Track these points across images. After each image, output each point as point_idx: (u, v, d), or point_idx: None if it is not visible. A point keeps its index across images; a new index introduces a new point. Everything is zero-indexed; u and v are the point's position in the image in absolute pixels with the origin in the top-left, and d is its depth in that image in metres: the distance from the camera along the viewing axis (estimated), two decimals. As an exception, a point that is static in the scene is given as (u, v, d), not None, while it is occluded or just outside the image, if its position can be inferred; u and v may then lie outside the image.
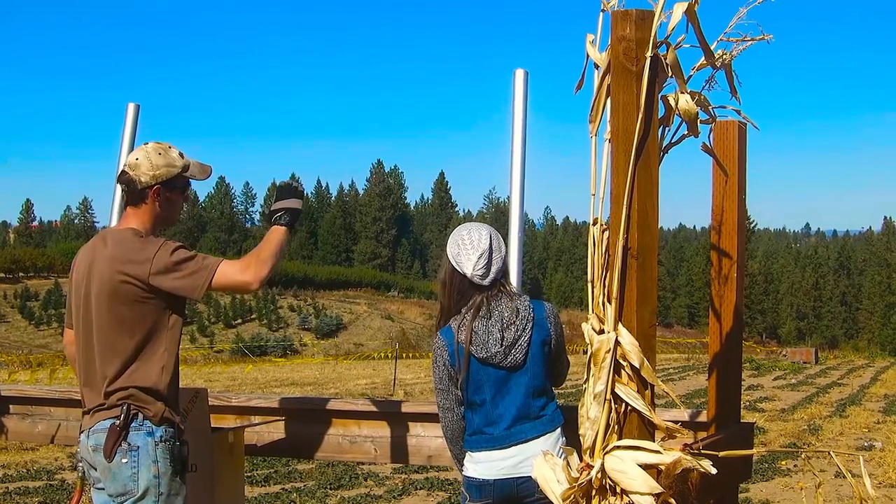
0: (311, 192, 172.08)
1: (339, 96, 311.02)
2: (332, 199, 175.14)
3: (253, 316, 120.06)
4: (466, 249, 5.04)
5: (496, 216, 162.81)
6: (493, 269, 5.02)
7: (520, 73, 6.19)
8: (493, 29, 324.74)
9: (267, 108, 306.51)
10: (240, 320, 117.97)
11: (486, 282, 5.00)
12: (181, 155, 5.20)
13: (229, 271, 4.89)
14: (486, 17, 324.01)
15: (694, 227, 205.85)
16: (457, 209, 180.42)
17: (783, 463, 14.81)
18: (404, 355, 59.24)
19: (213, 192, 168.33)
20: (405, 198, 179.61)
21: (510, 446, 4.94)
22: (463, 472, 5.12)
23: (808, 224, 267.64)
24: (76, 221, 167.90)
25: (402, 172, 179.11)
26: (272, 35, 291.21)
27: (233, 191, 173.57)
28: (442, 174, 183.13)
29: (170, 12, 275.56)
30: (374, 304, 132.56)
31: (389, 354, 52.32)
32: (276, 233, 5.13)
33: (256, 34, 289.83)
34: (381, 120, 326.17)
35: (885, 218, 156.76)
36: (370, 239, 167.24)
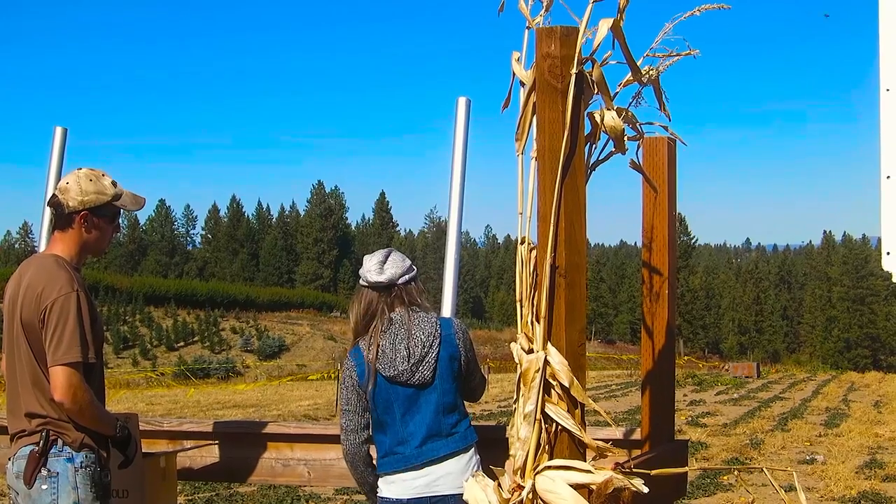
0: (252, 214, 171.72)
1: (279, 117, 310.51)
2: (274, 220, 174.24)
3: (195, 338, 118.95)
4: (367, 259, 5.19)
5: (437, 235, 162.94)
6: (389, 268, 5.08)
7: (462, 101, 6.22)
8: (436, 50, 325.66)
9: (207, 129, 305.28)
10: (182, 343, 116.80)
11: (383, 278, 5.05)
12: (114, 184, 5.19)
13: (64, 378, 4.76)
14: (430, 38, 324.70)
15: (635, 243, 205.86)
16: (398, 229, 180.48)
17: (725, 478, 14.85)
18: (347, 376, 58.84)
19: (153, 214, 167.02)
20: (346, 218, 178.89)
21: (423, 466, 4.96)
22: (378, 493, 5.16)
23: (748, 239, 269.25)
24: (16, 246, 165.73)
25: (342, 193, 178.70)
26: (212, 57, 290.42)
27: (173, 213, 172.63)
28: (383, 194, 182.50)
29: (104, 33, 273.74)
30: (316, 325, 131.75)
31: (332, 375, 52.13)
32: (107, 428, 5.10)
33: (196, 55, 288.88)
34: (322, 140, 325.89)
35: (825, 232, 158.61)
36: (312, 260, 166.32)
